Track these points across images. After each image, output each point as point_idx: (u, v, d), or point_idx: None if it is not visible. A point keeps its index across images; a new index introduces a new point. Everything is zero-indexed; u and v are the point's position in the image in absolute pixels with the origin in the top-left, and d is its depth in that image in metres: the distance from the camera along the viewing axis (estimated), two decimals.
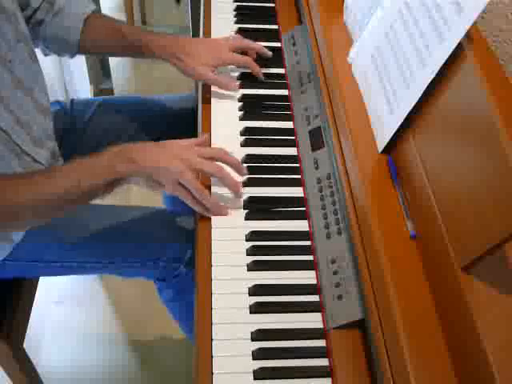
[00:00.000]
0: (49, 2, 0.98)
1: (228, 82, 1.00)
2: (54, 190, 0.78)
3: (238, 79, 1.04)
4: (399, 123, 0.72)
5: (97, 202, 0.85)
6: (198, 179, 0.79)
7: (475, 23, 0.64)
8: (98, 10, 1.06)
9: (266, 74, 1.05)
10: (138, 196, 1.86)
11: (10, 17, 0.84)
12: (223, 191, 0.85)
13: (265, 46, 1.12)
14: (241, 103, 1.00)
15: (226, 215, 0.82)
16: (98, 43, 1.03)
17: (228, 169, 0.83)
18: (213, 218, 0.82)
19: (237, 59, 1.01)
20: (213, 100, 1.00)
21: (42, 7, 0.98)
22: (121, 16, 2.46)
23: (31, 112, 0.90)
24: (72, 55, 1.05)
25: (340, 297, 0.72)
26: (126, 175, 0.79)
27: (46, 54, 1.06)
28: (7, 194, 0.77)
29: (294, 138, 0.96)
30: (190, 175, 0.78)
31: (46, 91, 0.97)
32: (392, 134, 0.73)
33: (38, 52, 1.00)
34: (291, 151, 0.94)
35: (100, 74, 2.14)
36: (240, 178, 0.85)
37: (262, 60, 1.05)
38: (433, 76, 0.67)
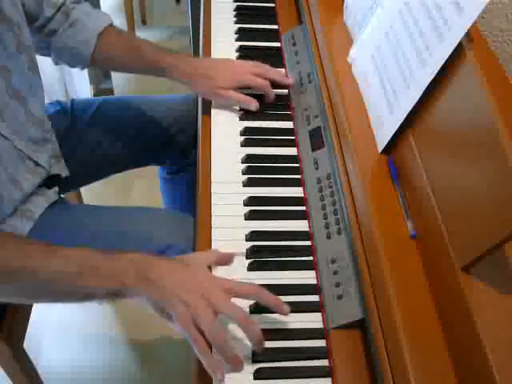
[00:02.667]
0: (64, 13, 0.98)
1: (249, 100, 0.97)
2: (46, 270, 0.68)
3: None
4: (399, 123, 0.72)
5: (96, 202, 0.84)
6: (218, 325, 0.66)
7: (475, 23, 0.64)
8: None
9: None
10: (138, 196, 1.86)
11: (13, 27, 0.84)
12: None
13: (265, 46, 1.13)
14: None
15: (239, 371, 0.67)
16: (111, 58, 1.02)
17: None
18: (213, 218, 0.82)
19: (256, 82, 0.98)
20: (213, 100, 1.00)
21: (56, 18, 0.97)
22: (121, 16, 2.46)
23: (22, 121, 0.89)
24: (84, 67, 1.05)
25: (340, 297, 0.72)
26: (134, 291, 0.68)
27: (57, 63, 1.05)
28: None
29: (293, 137, 0.96)
30: (213, 323, 0.65)
31: (43, 101, 0.97)
32: (392, 133, 0.73)
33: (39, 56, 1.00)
34: (291, 151, 0.94)
35: (100, 74, 2.14)
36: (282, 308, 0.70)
37: (262, 60, 1.05)
38: (433, 76, 0.67)
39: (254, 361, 0.69)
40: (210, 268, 0.74)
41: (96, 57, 1.01)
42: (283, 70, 1.07)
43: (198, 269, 0.70)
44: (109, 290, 0.69)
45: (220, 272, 0.76)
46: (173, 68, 0.98)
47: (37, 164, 0.92)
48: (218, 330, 0.66)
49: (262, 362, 0.69)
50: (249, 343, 0.69)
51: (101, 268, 0.69)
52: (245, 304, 0.74)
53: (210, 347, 0.66)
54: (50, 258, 0.69)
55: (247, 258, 0.79)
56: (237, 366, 0.66)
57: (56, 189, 0.98)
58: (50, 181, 0.97)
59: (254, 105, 0.97)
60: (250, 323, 0.66)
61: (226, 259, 0.74)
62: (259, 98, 0.99)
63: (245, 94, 0.98)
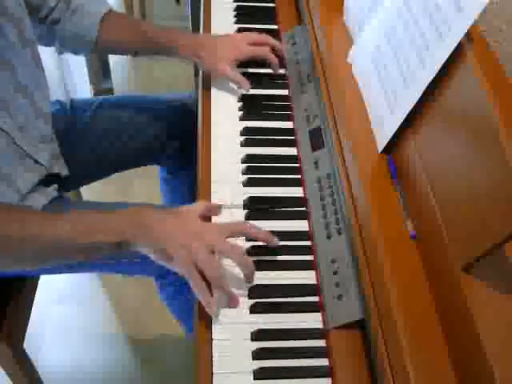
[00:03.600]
0: (65, 2, 0.99)
1: (243, 81, 0.99)
2: (54, 233, 0.73)
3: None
4: (399, 123, 0.72)
5: (97, 199, 0.84)
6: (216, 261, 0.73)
7: (475, 23, 0.64)
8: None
9: (266, 74, 1.05)
10: (138, 196, 1.86)
11: (16, 21, 0.85)
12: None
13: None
14: (241, 103, 1.00)
15: (235, 306, 0.74)
16: (115, 40, 1.04)
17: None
18: (213, 218, 0.82)
19: (255, 51, 1.02)
20: (213, 100, 1.00)
21: (58, 6, 0.99)
22: None
23: (30, 116, 0.90)
24: (88, 53, 1.06)
25: (340, 297, 0.72)
26: (135, 242, 0.73)
27: (60, 53, 1.07)
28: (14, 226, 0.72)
29: (293, 137, 0.96)
30: (212, 261, 0.71)
31: (48, 97, 0.97)
32: (392, 134, 0.73)
33: (40, 53, 1.00)
34: (291, 151, 0.94)
35: (100, 73, 2.14)
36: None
37: (262, 60, 1.05)
38: (433, 76, 0.67)
39: (255, 359, 0.69)
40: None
41: (100, 41, 1.02)
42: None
43: (190, 216, 0.76)
44: (112, 244, 0.73)
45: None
46: (173, 44, 1.01)
47: (36, 162, 0.92)
48: (214, 265, 0.71)
49: (262, 360, 0.69)
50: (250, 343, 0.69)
51: (101, 224, 0.74)
52: (245, 304, 0.74)
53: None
54: (46, 223, 0.73)
55: (247, 255, 0.79)
56: (233, 302, 0.73)
57: (55, 186, 0.98)
58: (50, 180, 0.97)
59: (246, 86, 0.99)
60: (244, 259, 0.73)
61: (214, 210, 0.81)
62: (259, 98, 1.00)
63: (244, 98, 0.99)
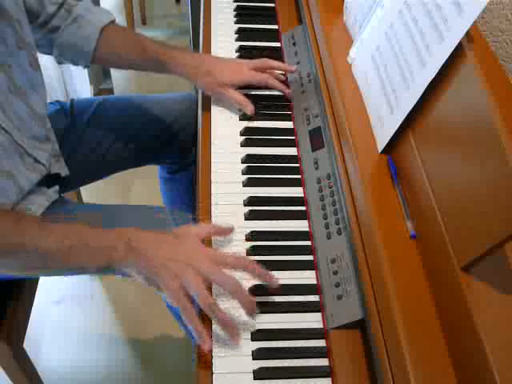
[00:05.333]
0: (66, 10, 0.98)
1: (247, 104, 0.97)
2: (39, 247, 0.71)
3: None
4: (399, 123, 0.72)
5: (96, 202, 0.84)
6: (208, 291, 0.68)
7: (475, 23, 0.64)
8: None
9: None
10: (138, 196, 1.86)
11: (14, 23, 0.84)
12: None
13: (265, 46, 1.13)
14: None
15: (236, 343, 0.69)
16: (114, 55, 1.02)
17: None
18: (213, 218, 0.82)
19: (257, 77, 0.99)
20: (213, 100, 1.00)
21: (58, 14, 0.97)
22: (121, 16, 2.47)
23: (24, 118, 0.89)
24: (86, 65, 1.05)
25: (340, 297, 0.72)
26: (123, 264, 0.71)
27: (59, 62, 1.05)
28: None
29: (293, 137, 0.96)
30: (202, 287, 0.67)
31: (45, 99, 0.97)
32: (392, 134, 0.73)
33: (39, 54, 0.99)
34: (291, 151, 0.94)
35: (100, 73, 2.14)
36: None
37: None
38: (433, 76, 0.67)
39: (255, 359, 0.69)
40: (203, 241, 0.75)
41: (98, 53, 1.01)
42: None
43: (187, 240, 0.72)
44: (99, 264, 0.71)
45: None
46: (174, 63, 0.99)
47: (36, 160, 0.92)
48: (206, 293, 0.67)
49: (262, 360, 0.68)
50: (251, 344, 0.69)
51: (90, 244, 0.71)
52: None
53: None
54: (42, 236, 0.71)
55: (247, 255, 0.79)
56: (231, 330, 0.68)
57: (56, 188, 0.98)
58: (50, 180, 0.97)
59: (249, 109, 0.97)
60: (241, 290, 0.68)
61: (220, 232, 0.76)
62: (259, 98, 1.00)
63: (244, 95, 0.98)
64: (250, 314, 0.69)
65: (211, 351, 0.68)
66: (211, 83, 0.97)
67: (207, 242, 0.78)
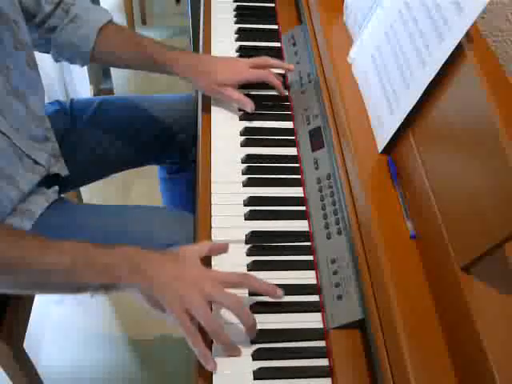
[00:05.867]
0: (64, 10, 0.97)
1: (247, 102, 0.97)
2: (40, 265, 0.70)
3: None
4: (399, 123, 0.72)
5: (96, 202, 0.83)
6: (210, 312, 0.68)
7: (475, 23, 0.64)
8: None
9: None
10: (138, 196, 1.86)
11: (11, 24, 0.84)
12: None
13: (265, 46, 1.13)
14: None
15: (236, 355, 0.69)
16: (111, 54, 1.02)
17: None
18: (213, 217, 0.82)
19: (256, 74, 0.99)
20: (213, 100, 1.00)
21: (56, 14, 0.97)
22: (121, 16, 2.46)
23: (23, 119, 0.89)
24: (84, 64, 1.05)
25: (340, 297, 0.72)
26: (127, 284, 0.70)
27: (57, 61, 1.05)
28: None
29: (294, 137, 0.96)
30: (207, 311, 0.67)
31: (43, 100, 0.97)
32: (392, 134, 0.73)
33: (39, 53, 0.99)
34: (291, 151, 0.94)
35: (100, 74, 2.14)
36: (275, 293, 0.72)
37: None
38: (433, 76, 0.67)
39: (255, 359, 0.69)
40: (203, 260, 0.74)
41: (96, 52, 1.00)
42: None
43: (190, 262, 0.71)
44: (102, 284, 0.70)
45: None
46: (173, 64, 0.98)
47: (35, 162, 0.92)
48: (212, 318, 0.67)
49: (262, 360, 0.68)
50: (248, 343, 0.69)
51: (94, 263, 0.69)
52: (245, 304, 0.74)
53: (206, 340, 0.68)
54: (44, 254, 0.70)
55: (248, 256, 0.79)
56: (233, 352, 0.68)
57: (56, 188, 0.98)
58: (50, 180, 0.97)
59: (249, 106, 0.97)
60: (243, 311, 0.68)
61: (219, 249, 0.76)
62: (259, 98, 1.00)
63: (244, 95, 0.98)
64: (251, 333, 0.69)
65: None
66: (210, 83, 0.97)
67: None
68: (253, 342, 0.70)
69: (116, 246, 0.72)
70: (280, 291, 0.71)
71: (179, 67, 0.98)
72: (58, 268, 0.69)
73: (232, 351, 0.68)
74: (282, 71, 1.05)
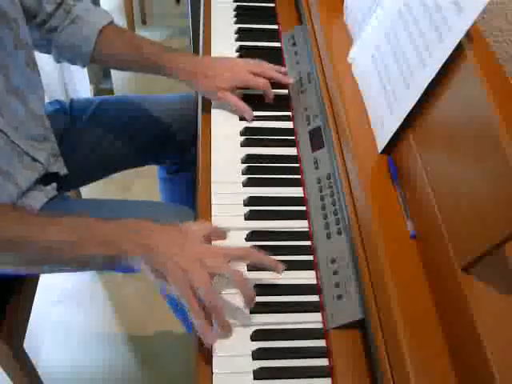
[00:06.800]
0: (65, 10, 0.98)
1: (246, 110, 0.96)
2: (46, 239, 0.71)
3: None
4: (399, 123, 0.72)
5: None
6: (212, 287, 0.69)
7: (475, 23, 0.64)
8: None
9: None
10: (138, 196, 1.86)
11: (11, 23, 0.84)
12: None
13: (265, 46, 1.13)
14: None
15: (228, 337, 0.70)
16: (112, 56, 1.02)
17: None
18: (213, 216, 0.82)
19: (255, 82, 0.98)
20: (213, 100, 1.00)
21: (57, 14, 0.97)
22: (121, 16, 2.46)
23: (22, 118, 0.89)
24: (84, 65, 1.05)
25: (340, 297, 0.72)
26: (131, 258, 0.71)
27: (58, 61, 1.05)
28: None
29: (293, 138, 0.96)
30: (209, 285, 0.68)
31: (43, 99, 0.97)
32: (392, 134, 0.73)
33: (39, 54, 1.00)
34: (291, 151, 0.94)
35: (100, 74, 2.14)
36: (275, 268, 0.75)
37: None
38: (433, 76, 0.67)
39: (255, 359, 0.69)
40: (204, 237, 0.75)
41: (96, 54, 1.01)
42: (285, 69, 1.06)
43: (193, 237, 0.72)
44: (107, 256, 0.71)
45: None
46: (172, 66, 0.98)
47: (34, 159, 0.92)
48: (213, 293, 0.68)
49: (262, 360, 0.69)
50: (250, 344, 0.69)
51: (95, 234, 0.71)
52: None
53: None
54: (49, 228, 0.71)
55: None
56: (226, 332, 0.69)
57: (54, 185, 0.98)
58: (49, 179, 0.97)
59: (248, 114, 0.96)
60: (245, 283, 0.70)
61: (219, 234, 0.77)
62: (259, 98, 1.00)
63: (242, 99, 0.97)
64: (249, 304, 0.72)
65: (212, 347, 0.68)
66: (209, 87, 0.97)
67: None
68: (253, 340, 0.70)
69: (117, 219, 0.73)
70: (281, 266, 0.73)
71: (178, 71, 0.98)
72: (61, 240, 0.71)
73: (224, 330, 0.69)
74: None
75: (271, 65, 1.01)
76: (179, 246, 0.70)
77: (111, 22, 1.02)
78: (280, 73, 1.01)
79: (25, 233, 0.71)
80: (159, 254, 0.69)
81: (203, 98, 1.02)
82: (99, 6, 2.03)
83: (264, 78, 0.99)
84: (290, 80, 1.01)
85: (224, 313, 0.69)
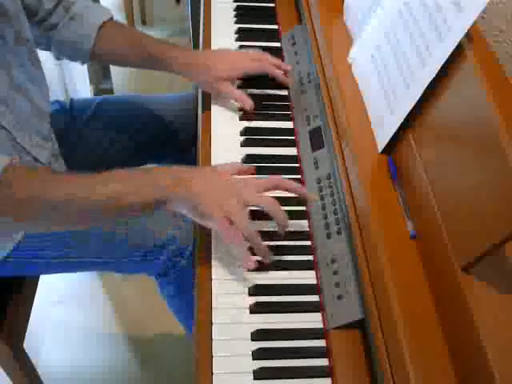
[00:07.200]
0: (65, 8, 0.98)
1: (246, 100, 0.96)
2: (92, 196, 0.73)
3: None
4: (399, 123, 0.72)
5: None
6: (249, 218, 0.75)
7: (475, 23, 0.64)
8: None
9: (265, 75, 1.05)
10: None
11: (12, 19, 0.84)
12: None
13: (265, 46, 1.13)
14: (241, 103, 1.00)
15: (267, 262, 0.77)
16: (112, 52, 1.02)
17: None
18: None
19: (255, 65, 0.98)
20: (213, 100, 1.00)
21: (56, 12, 0.97)
22: (121, 16, 2.46)
23: (27, 114, 0.89)
24: (84, 62, 1.05)
25: (340, 297, 0.72)
26: (174, 198, 0.74)
27: (58, 58, 1.05)
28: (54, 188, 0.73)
29: (293, 138, 0.96)
30: (245, 216, 0.74)
31: (48, 96, 0.97)
32: (392, 133, 0.73)
33: (39, 52, 0.99)
34: (291, 151, 0.94)
35: (100, 74, 2.14)
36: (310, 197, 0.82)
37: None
38: (433, 76, 0.67)
39: (255, 359, 0.69)
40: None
41: (96, 50, 1.01)
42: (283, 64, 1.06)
43: (226, 174, 0.78)
44: (152, 201, 0.74)
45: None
46: (172, 60, 0.98)
47: (35, 160, 0.92)
48: (248, 223, 0.74)
49: (262, 360, 0.69)
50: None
51: (142, 182, 0.74)
52: (245, 304, 0.74)
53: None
54: (93, 185, 0.74)
55: None
56: (266, 255, 0.76)
57: None
58: None
59: (248, 103, 0.96)
60: (278, 211, 0.75)
61: (247, 170, 0.82)
62: (259, 98, 1.00)
63: (243, 93, 0.97)
64: (283, 228, 0.77)
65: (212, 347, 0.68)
66: (208, 79, 0.97)
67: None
68: (253, 340, 0.70)
69: (155, 167, 0.79)
70: (314, 195, 0.83)
71: (179, 64, 0.99)
72: (109, 193, 0.73)
73: (264, 253, 0.76)
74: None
75: (271, 57, 1.01)
76: (215, 182, 0.75)
77: (111, 18, 1.02)
78: (280, 69, 1.01)
79: (72, 193, 0.73)
80: (198, 191, 0.73)
81: (203, 97, 1.02)
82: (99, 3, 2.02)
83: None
84: (288, 66, 1.02)
85: (259, 238, 0.75)
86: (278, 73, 1.00)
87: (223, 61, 0.98)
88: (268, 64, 0.99)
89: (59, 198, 0.72)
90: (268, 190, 0.77)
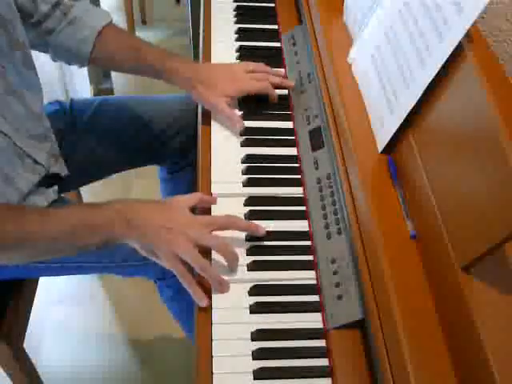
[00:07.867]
0: (62, 12, 0.97)
1: (238, 121, 0.95)
2: (44, 236, 0.75)
3: None
4: (399, 123, 0.72)
5: (97, 199, 0.84)
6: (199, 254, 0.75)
7: (475, 23, 0.64)
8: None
9: None
10: (138, 196, 1.86)
11: (6, 24, 0.84)
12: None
13: (265, 46, 1.13)
14: (241, 103, 1.00)
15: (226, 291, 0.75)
16: (110, 58, 1.01)
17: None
18: (212, 214, 0.82)
19: (256, 87, 0.98)
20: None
21: (53, 15, 0.96)
22: (121, 16, 2.47)
23: (22, 117, 0.89)
24: (81, 66, 1.04)
25: (340, 297, 0.72)
26: (121, 238, 0.77)
27: (55, 60, 1.04)
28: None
29: (293, 137, 0.96)
30: (193, 252, 0.74)
31: (41, 98, 0.96)
32: (392, 133, 0.73)
33: (38, 53, 0.99)
34: (291, 151, 0.94)
35: (100, 74, 2.14)
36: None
37: (262, 60, 1.05)
38: (433, 76, 0.67)
39: (255, 359, 0.69)
40: (193, 211, 0.80)
41: (94, 55, 1.00)
42: (283, 70, 1.06)
43: (177, 210, 0.78)
44: (101, 240, 0.76)
45: (222, 272, 0.76)
46: (172, 72, 0.98)
47: (36, 162, 0.92)
48: (198, 256, 0.74)
49: (262, 360, 0.69)
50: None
51: (91, 225, 0.75)
52: (245, 304, 0.74)
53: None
54: (44, 225, 0.75)
55: (247, 255, 0.79)
56: (222, 286, 0.75)
57: (55, 188, 0.98)
58: (49, 180, 0.97)
59: (238, 125, 0.95)
60: (228, 250, 0.75)
61: (208, 201, 0.83)
62: (259, 98, 1.00)
63: (243, 99, 0.97)
64: (232, 267, 0.77)
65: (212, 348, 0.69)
66: (205, 95, 0.96)
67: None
68: (253, 340, 0.70)
69: (105, 204, 0.77)
70: (262, 229, 0.79)
71: (178, 77, 0.98)
72: (60, 236, 0.75)
73: (221, 286, 0.74)
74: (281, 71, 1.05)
75: (273, 73, 1.01)
76: (163, 221, 0.75)
77: (110, 22, 1.01)
78: (283, 81, 1.01)
79: (22, 235, 0.74)
80: (146, 233, 0.75)
81: None
82: (99, 6, 2.02)
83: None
84: (291, 83, 1.02)
85: (215, 271, 0.74)
86: (275, 97, 0.99)
87: (223, 79, 0.97)
88: (269, 86, 0.99)
89: (13, 237, 0.74)
90: (220, 229, 0.78)
